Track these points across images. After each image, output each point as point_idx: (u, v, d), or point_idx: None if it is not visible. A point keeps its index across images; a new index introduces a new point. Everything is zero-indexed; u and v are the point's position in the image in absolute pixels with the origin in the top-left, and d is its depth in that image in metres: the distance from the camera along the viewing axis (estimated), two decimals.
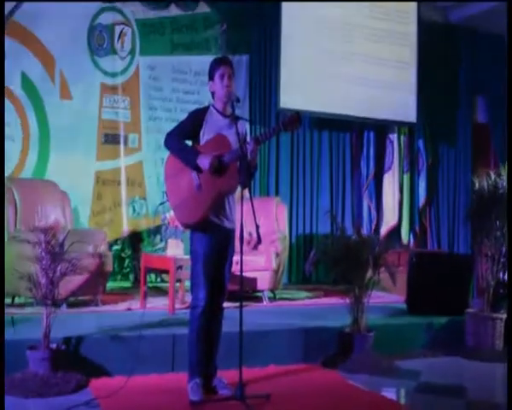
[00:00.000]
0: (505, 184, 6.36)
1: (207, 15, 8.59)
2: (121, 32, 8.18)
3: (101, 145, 8.03)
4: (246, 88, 8.70)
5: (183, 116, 4.69)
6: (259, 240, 4.31)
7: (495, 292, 6.34)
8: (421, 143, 9.82)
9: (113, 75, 8.12)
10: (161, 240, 7.69)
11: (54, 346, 4.67)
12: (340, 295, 5.84)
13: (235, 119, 4.37)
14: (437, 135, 9.87)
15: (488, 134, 10.29)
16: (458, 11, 9.70)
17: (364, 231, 9.14)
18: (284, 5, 8.55)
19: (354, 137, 9.52)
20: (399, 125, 9.60)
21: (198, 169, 4.28)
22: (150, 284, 7.53)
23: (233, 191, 4.42)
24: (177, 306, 6.14)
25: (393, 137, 9.62)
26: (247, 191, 4.29)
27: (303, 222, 9.11)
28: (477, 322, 6.29)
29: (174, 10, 8.43)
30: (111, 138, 8.08)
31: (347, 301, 5.66)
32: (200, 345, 4.34)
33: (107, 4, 8.04)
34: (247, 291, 6.88)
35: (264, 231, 6.77)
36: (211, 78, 4.43)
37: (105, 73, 8.07)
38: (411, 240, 9.70)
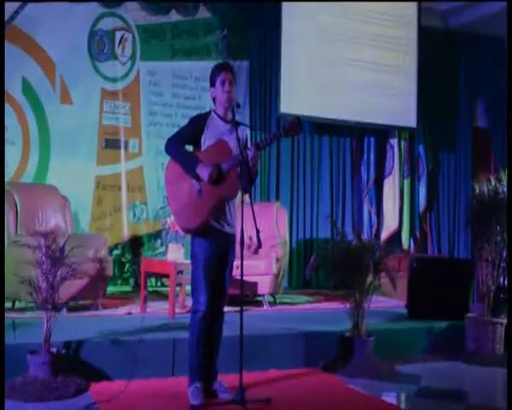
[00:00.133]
0: (505, 189, 6.36)
1: (208, 21, 8.61)
2: (122, 37, 8.20)
3: (101, 150, 8.04)
4: (246, 93, 8.72)
5: (184, 121, 4.70)
6: (260, 245, 4.30)
7: (495, 297, 6.33)
8: (421, 148, 9.82)
9: (114, 80, 8.14)
10: (162, 244, 7.70)
11: (54, 350, 4.67)
12: (341, 300, 5.83)
13: (235, 124, 4.39)
14: (437, 140, 9.88)
15: (488, 139, 10.29)
16: (458, 16, 9.71)
17: (365, 236, 9.13)
18: (284, 11, 8.55)
19: (354, 142, 9.52)
20: (400, 130, 9.60)
21: (198, 177, 4.29)
22: (150, 289, 7.53)
23: (233, 197, 4.42)
24: (177, 310, 6.15)
25: (394, 142, 9.62)
26: (247, 196, 4.30)
27: (303, 227, 9.11)
28: (477, 327, 6.29)
29: (174, 16, 8.44)
30: (111, 143, 8.09)
31: (348, 305, 5.66)
32: (200, 349, 4.35)
33: (108, 10, 8.06)
34: (247, 296, 6.88)
35: (265, 235, 6.77)
36: (212, 84, 4.45)
37: (105, 78, 8.09)
38: (412, 245, 9.69)
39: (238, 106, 4.41)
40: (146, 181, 8.27)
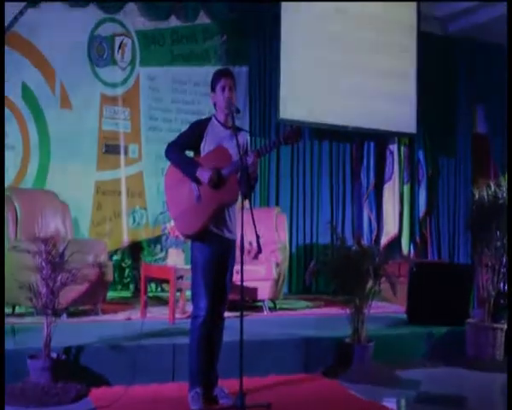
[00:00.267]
0: (505, 194, 6.37)
1: (207, 27, 8.63)
2: (121, 42, 8.21)
3: (101, 155, 8.05)
4: (245, 99, 8.72)
5: (183, 127, 4.71)
6: (260, 250, 4.30)
7: (495, 302, 6.33)
8: (421, 153, 9.83)
9: (114, 86, 8.14)
10: (162, 250, 7.68)
11: (54, 355, 4.66)
12: (341, 306, 5.83)
13: (235, 130, 4.39)
14: (437, 146, 9.89)
15: (488, 145, 10.31)
16: (457, 23, 9.73)
17: (365, 241, 9.13)
18: (284, 16, 8.54)
19: (354, 147, 9.53)
20: (399, 136, 9.61)
21: (198, 181, 4.30)
22: (150, 294, 7.54)
23: (233, 203, 4.42)
24: (177, 316, 6.14)
25: (393, 147, 9.63)
26: (247, 202, 4.30)
27: (303, 232, 9.11)
28: (477, 332, 6.29)
29: (174, 21, 8.46)
30: (111, 149, 8.09)
31: (348, 311, 5.66)
32: (201, 354, 4.34)
33: (108, 15, 8.07)
34: (247, 301, 6.87)
35: (265, 241, 6.74)
36: (213, 89, 4.45)
37: (105, 83, 8.09)
38: (412, 250, 9.69)
39: (238, 111, 4.40)
40: (146, 186, 8.27)
